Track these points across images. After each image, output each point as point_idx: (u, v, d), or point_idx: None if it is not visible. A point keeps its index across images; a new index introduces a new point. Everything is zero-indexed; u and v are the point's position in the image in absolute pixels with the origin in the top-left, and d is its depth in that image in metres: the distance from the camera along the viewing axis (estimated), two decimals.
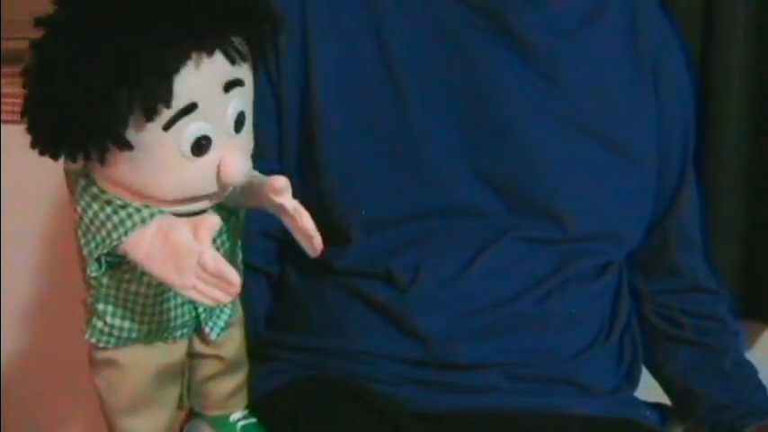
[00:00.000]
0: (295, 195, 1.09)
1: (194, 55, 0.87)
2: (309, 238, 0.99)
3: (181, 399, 1.06)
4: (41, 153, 0.89)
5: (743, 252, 1.48)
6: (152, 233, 0.90)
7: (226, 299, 0.90)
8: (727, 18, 1.42)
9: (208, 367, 1.06)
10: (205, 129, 0.89)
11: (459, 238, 1.17)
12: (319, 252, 1.00)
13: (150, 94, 0.85)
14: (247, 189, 0.98)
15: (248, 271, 1.13)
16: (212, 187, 0.92)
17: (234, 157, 0.91)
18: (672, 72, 1.27)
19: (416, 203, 1.17)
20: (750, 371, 1.31)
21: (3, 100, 1.59)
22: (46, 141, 0.89)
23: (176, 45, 0.86)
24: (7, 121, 1.59)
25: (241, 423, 1.10)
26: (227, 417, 1.10)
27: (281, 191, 0.97)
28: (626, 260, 1.28)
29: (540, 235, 1.18)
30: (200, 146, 0.90)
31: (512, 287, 1.17)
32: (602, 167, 1.21)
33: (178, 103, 0.87)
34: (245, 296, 0.98)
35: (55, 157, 0.89)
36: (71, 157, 0.89)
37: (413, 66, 1.18)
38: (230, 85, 0.91)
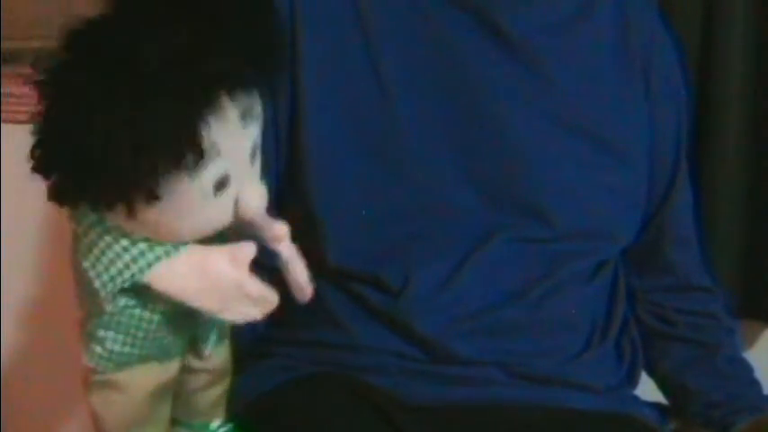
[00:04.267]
0: (287, 194, 1.11)
1: (216, 100, 0.86)
2: (300, 288, 1.00)
3: None
4: (60, 205, 0.88)
5: (742, 251, 1.48)
6: (184, 265, 0.91)
7: (261, 315, 0.94)
8: (727, 18, 1.42)
9: (198, 380, 1.06)
10: (225, 167, 0.89)
11: (447, 242, 1.17)
12: (307, 300, 1.02)
13: (181, 148, 0.84)
14: (246, 225, 0.98)
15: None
16: (229, 220, 0.92)
17: (253, 192, 0.92)
18: (663, 69, 1.27)
19: (401, 203, 1.16)
20: (743, 367, 1.31)
21: (3, 100, 1.59)
22: (68, 196, 0.88)
23: (197, 94, 0.85)
24: (7, 121, 1.59)
25: (222, 429, 1.10)
26: (208, 424, 1.10)
27: (279, 239, 0.98)
28: (620, 258, 1.28)
29: (527, 234, 1.18)
30: (222, 185, 0.89)
31: (503, 292, 1.17)
32: (590, 165, 1.21)
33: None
34: None
35: (75, 207, 0.89)
36: (93, 209, 0.89)
37: (399, 64, 1.17)
38: (245, 116, 0.90)
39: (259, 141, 0.93)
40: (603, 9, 1.24)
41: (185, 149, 0.85)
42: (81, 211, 0.93)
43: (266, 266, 1.04)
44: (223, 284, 0.91)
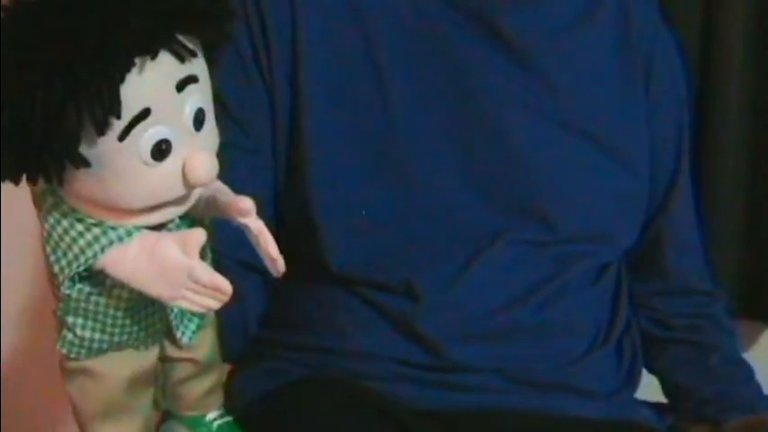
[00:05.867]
0: (287, 200, 1.09)
1: (138, 60, 0.84)
2: (273, 260, 0.98)
3: (156, 400, 1.04)
4: (1, 179, 0.87)
5: (743, 252, 1.48)
6: (135, 250, 0.89)
7: (217, 305, 0.90)
8: (728, 18, 1.42)
9: (181, 370, 1.04)
10: (163, 132, 0.87)
11: (450, 245, 1.16)
12: (281, 274, 0.99)
13: (97, 108, 0.83)
14: (212, 204, 0.97)
15: (243, 269, 1.13)
16: (179, 191, 0.90)
17: (198, 157, 0.88)
18: (665, 69, 1.26)
19: (402, 206, 1.16)
20: (740, 368, 1.30)
21: None
22: (3, 170, 0.86)
23: (114, 52, 0.83)
24: None
25: (217, 422, 1.08)
26: (203, 416, 1.08)
27: (245, 212, 0.96)
28: (623, 259, 1.27)
29: (529, 237, 1.17)
30: (161, 150, 0.87)
31: (507, 295, 1.16)
32: (591, 167, 1.20)
33: (129, 111, 0.85)
34: (238, 294, 0.98)
35: (16, 182, 0.87)
36: (32, 180, 0.87)
37: (400, 67, 1.17)
38: (183, 84, 0.88)
39: (206, 111, 0.90)
40: (605, 10, 1.24)
41: (103, 110, 0.83)
42: (41, 195, 0.92)
43: (258, 269, 1.04)
44: (172, 270, 0.89)
